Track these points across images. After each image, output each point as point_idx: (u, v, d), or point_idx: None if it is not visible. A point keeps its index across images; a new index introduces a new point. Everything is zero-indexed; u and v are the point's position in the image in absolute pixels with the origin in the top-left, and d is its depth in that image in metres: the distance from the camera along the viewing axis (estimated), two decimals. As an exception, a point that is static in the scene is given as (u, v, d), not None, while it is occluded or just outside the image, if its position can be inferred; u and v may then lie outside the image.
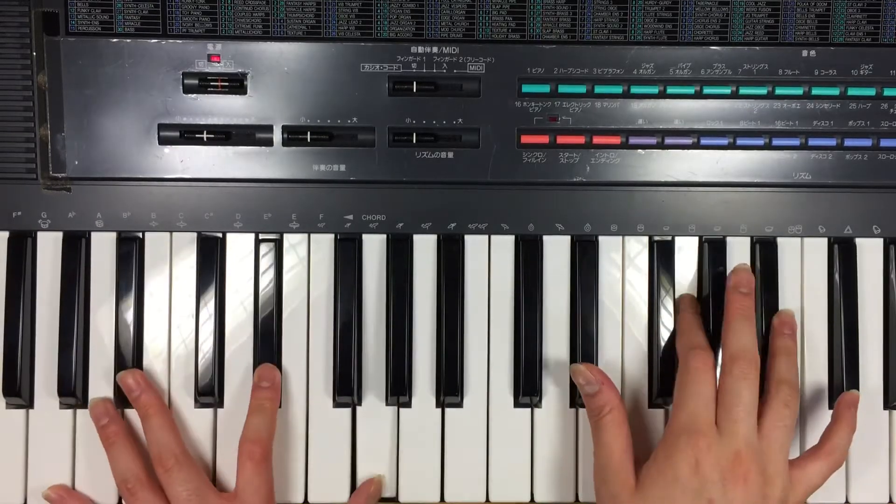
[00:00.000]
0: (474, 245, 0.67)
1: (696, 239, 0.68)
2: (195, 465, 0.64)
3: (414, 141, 0.65)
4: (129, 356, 0.65)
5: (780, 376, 0.63)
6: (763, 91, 0.66)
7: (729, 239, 0.67)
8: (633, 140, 0.66)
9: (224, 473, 0.66)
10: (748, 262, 0.67)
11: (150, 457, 0.63)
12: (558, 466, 0.67)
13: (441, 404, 0.67)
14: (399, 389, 0.65)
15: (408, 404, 0.66)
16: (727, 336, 0.63)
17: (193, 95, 0.65)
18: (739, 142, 0.66)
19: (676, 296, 0.67)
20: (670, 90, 0.65)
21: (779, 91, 0.66)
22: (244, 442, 0.63)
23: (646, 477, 0.60)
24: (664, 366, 0.66)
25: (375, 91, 0.65)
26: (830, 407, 0.67)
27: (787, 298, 0.67)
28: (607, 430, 0.62)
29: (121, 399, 0.65)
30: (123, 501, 0.64)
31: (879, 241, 0.68)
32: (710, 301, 0.67)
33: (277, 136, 0.65)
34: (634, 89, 0.65)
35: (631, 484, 0.60)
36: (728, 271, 0.67)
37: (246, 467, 0.62)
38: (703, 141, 0.66)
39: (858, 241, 0.68)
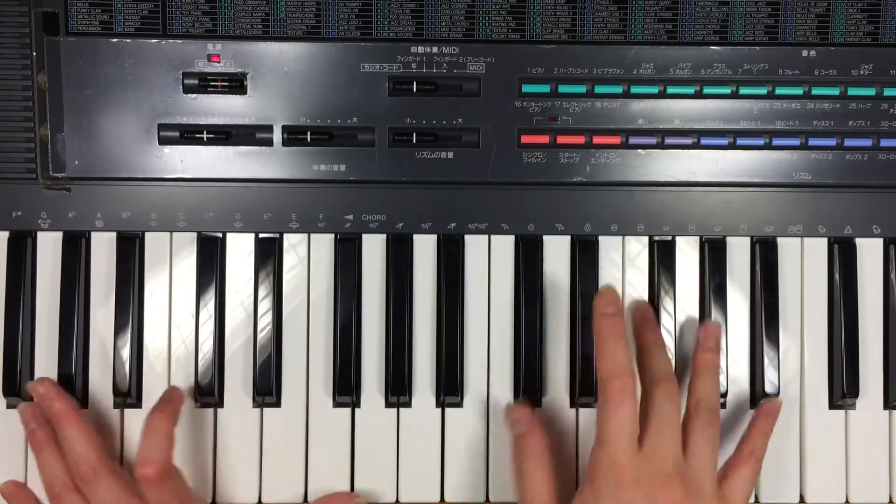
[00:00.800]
0: (474, 245, 0.67)
1: (696, 239, 0.68)
2: (115, 473, 0.62)
3: (414, 141, 0.65)
4: (129, 356, 0.65)
5: (699, 395, 0.63)
6: (763, 91, 0.66)
7: (729, 239, 0.67)
8: (633, 140, 0.66)
9: (224, 473, 0.66)
10: (748, 263, 0.67)
11: (70, 466, 0.62)
12: (558, 466, 0.66)
13: (441, 404, 0.67)
14: (399, 389, 0.65)
15: (408, 404, 0.66)
16: (646, 362, 0.63)
17: (193, 95, 0.65)
18: (739, 142, 0.66)
19: (677, 296, 0.67)
20: (670, 90, 0.65)
21: (779, 91, 0.66)
22: (137, 466, 0.61)
23: None
24: (664, 366, 0.66)
25: (375, 91, 0.65)
26: (830, 407, 0.67)
27: (787, 298, 0.67)
28: (531, 475, 0.61)
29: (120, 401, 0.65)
30: None
31: (879, 241, 0.68)
32: (709, 302, 0.67)
33: (277, 136, 0.65)
34: (634, 89, 0.65)
35: None
36: (728, 271, 0.67)
37: (147, 491, 0.61)
38: (703, 141, 0.66)
39: (858, 241, 0.68)
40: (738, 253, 0.67)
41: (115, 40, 0.64)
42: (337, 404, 0.66)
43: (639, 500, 0.58)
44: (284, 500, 0.66)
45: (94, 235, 0.66)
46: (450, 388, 0.65)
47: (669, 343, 0.67)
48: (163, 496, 0.61)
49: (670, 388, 0.61)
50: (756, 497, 0.67)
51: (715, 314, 0.67)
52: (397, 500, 0.66)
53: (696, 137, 0.66)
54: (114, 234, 0.66)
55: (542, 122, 0.66)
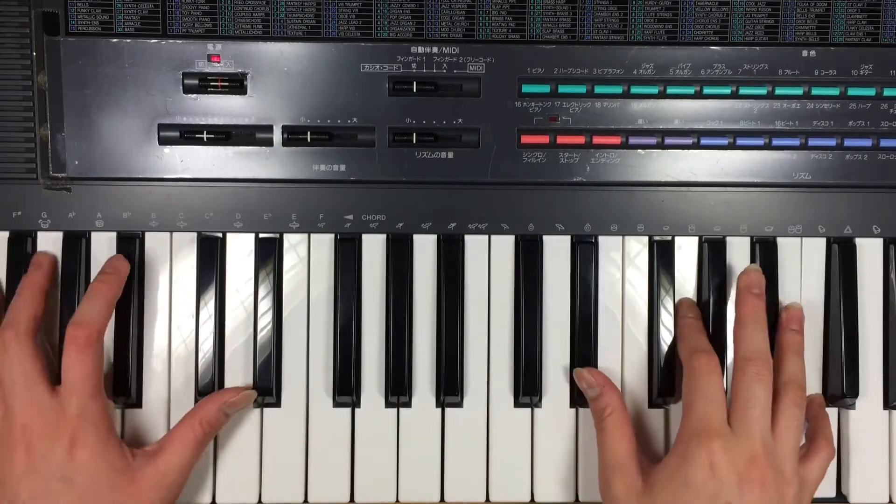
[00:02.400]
0: (474, 245, 0.67)
1: (696, 239, 0.68)
2: (36, 351, 0.60)
3: (414, 141, 0.65)
4: (130, 356, 0.65)
5: (788, 376, 0.62)
6: (763, 91, 0.66)
7: (729, 239, 0.67)
8: (633, 140, 0.66)
9: (224, 473, 0.66)
10: (748, 262, 0.67)
11: None
12: (558, 466, 0.67)
13: (441, 404, 0.67)
14: (399, 389, 0.65)
15: (408, 404, 0.66)
16: (740, 337, 0.62)
17: (193, 95, 0.65)
18: (739, 142, 0.66)
19: (676, 296, 0.67)
20: (670, 90, 0.65)
21: (779, 91, 0.66)
22: (69, 325, 0.59)
23: (655, 481, 0.60)
24: (664, 366, 0.66)
25: (375, 91, 0.65)
26: (829, 407, 0.67)
27: (787, 298, 0.67)
28: (609, 432, 0.62)
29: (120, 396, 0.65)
30: None
31: (879, 241, 0.68)
32: (709, 302, 0.67)
33: (277, 136, 0.65)
34: (634, 89, 0.65)
35: (637, 487, 0.60)
36: (728, 271, 0.67)
37: (70, 351, 0.59)
38: (703, 141, 0.66)
39: (858, 241, 0.68)
40: (738, 253, 0.68)
41: (115, 40, 0.64)
42: (337, 404, 0.66)
43: (725, 470, 0.57)
44: (284, 500, 0.66)
45: (94, 235, 0.66)
46: (450, 388, 0.65)
47: (670, 342, 0.67)
48: (85, 363, 0.59)
49: (762, 368, 0.60)
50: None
51: (714, 314, 0.67)
52: (397, 500, 0.66)
53: (696, 137, 0.66)
54: (114, 234, 0.66)
55: (542, 122, 0.66)
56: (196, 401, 0.66)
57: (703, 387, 0.60)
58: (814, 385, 0.67)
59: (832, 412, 0.67)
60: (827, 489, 0.67)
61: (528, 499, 0.67)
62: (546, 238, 0.67)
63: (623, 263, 0.68)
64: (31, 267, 0.64)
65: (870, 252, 0.68)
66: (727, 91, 0.66)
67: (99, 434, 0.59)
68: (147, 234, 0.66)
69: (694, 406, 0.60)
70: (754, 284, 0.64)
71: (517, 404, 0.67)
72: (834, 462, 0.66)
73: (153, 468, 0.60)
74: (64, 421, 0.58)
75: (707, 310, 0.67)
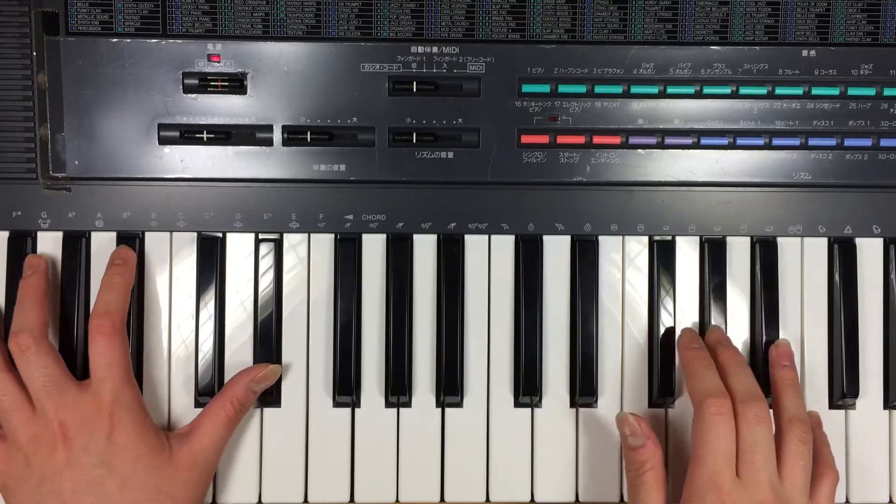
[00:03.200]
0: (474, 245, 0.67)
1: (697, 239, 0.68)
2: (54, 353, 0.61)
3: (414, 141, 0.65)
4: (129, 356, 0.65)
5: (790, 413, 0.62)
6: (763, 91, 0.66)
7: (729, 239, 0.67)
8: (633, 140, 0.66)
9: (224, 473, 0.66)
10: (748, 262, 0.67)
11: (9, 334, 0.61)
12: (558, 466, 0.67)
13: (441, 404, 0.67)
14: (399, 389, 0.65)
15: (408, 404, 0.66)
16: (731, 383, 0.62)
17: (193, 95, 0.65)
18: (739, 142, 0.66)
19: (677, 296, 0.67)
20: (670, 90, 0.65)
21: (779, 91, 0.66)
22: (92, 318, 0.61)
23: None
24: (664, 366, 0.66)
25: (375, 91, 0.65)
26: (830, 407, 0.67)
27: (787, 298, 0.67)
28: (646, 489, 0.61)
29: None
30: None
31: (879, 241, 0.68)
32: (709, 302, 0.67)
33: (277, 136, 0.65)
34: (634, 89, 0.65)
35: None
36: (728, 271, 0.67)
37: (97, 342, 0.60)
38: (703, 141, 0.66)
39: (858, 241, 0.68)
40: (738, 253, 0.68)
41: (115, 40, 0.64)
42: (337, 404, 0.66)
43: None
44: (284, 500, 0.66)
45: (94, 235, 0.66)
46: (450, 388, 0.65)
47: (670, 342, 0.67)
48: (113, 350, 0.60)
49: (760, 409, 0.60)
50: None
51: (715, 314, 0.67)
52: (397, 500, 0.66)
53: (696, 137, 0.66)
54: (114, 234, 0.66)
55: (542, 122, 0.66)
56: (196, 401, 0.66)
57: (714, 439, 0.59)
58: (820, 385, 0.67)
59: (832, 413, 0.67)
60: (836, 495, 0.67)
61: (528, 499, 0.67)
62: (546, 238, 0.67)
63: (623, 263, 0.67)
64: (29, 270, 0.64)
65: (870, 252, 0.68)
66: (727, 91, 0.66)
67: (135, 418, 0.60)
68: (147, 234, 0.66)
69: (704, 459, 0.59)
70: (722, 340, 0.65)
71: (517, 404, 0.67)
72: (840, 465, 0.66)
73: (188, 448, 0.62)
74: (99, 409, 0.60)
75: (707, 310, 0.67)
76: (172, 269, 0.66)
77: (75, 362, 0.65)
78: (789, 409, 0.62)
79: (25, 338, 0.60)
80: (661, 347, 0.67)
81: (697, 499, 0.59)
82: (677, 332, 0.67)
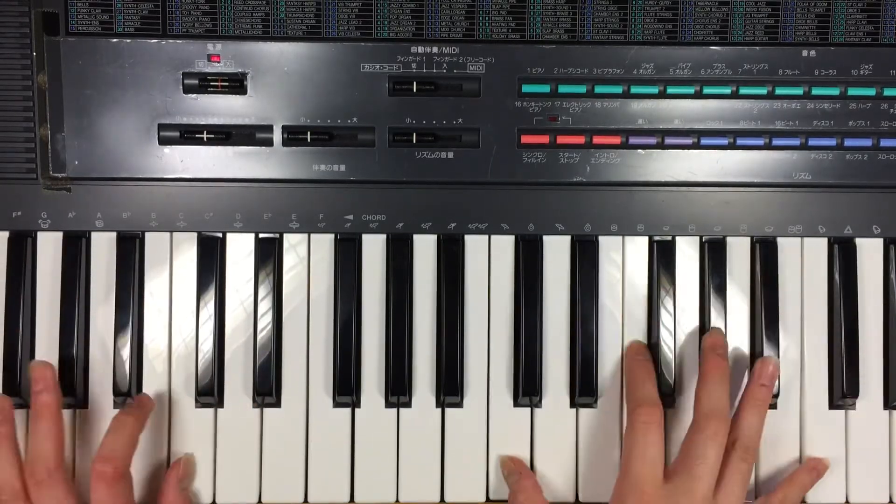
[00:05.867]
0: (474, 245, 0.67)
1: (697, 239, 0.68)
2: (68, 483, 0.61)
3: (414, 141, 0.65)
4: (129, 356, 0.65)
5: (741, 432, 0.63)
6: (763, 91, 0.66)
7: (729, 239, 0.67)
8: (633, 140, 0.66)
9: (224, 473, 0.66)
10: (748, 262, 0.67)
11: (25, 462, 0.61)
12: (558, 466, 0.67)
13: (441, 404, 0.67)
14: (399, 389, 0.65)
15: (408, 404, 0.66)
16: (702, 393, 0.63)
17: (193, 95, 0.65)
18: (739, 142, 0.66)
19: (677, 296, 0.67)
20: (670, 90, 0.65)
21: (779, 91, 0.66)
22: (96, 461, 0.60)
23: None
24: (664, 366, 0.66)
25: (375, 91, 0.65)
26: (830, 407, 0.67)
27: (787, 298, 0.67)
28: None
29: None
30: None
31: (879, 241, 0.68)
32: (709, 302, 0.67)
33: (277, 136, 0.65)
34: (634, 89, 0.65)
35: None
36: (728, 271, 0.67)
37: (98, 489, 0.60)
38: (703, 141, 0.66)
39: (858, 241, 0.68)
40: (738, 253, 0.67)
41: (115, 40, 0.64)
42: (337, 404, 0.66)
43: None
44: (284, 500, 0.66)
45: (94, 235, 0.66)
46: (450, 388, 0.65)
47: (670, 342, 0.67)
48: (115, 498, 0.60)
49: (719, 427, 0.61)
50: (755, 496, 0.67)
51: (715, 314, 0.67)
52: (397, 500, 0.66)
53: (696, 137, 0.66)
54: (114, 234, 0.66)
55: (542, 122, 0.66)
56: (196, 401, 0.66)
57: (641, 445, 0.61)
58: (820, 386, 0.67)
59: (832, 413, 0.67)
60: (835, 494, 0.67)
61: (528, 499, 0.67)
62: (546, 238, 0.67)
63: (623, 263, 0.67)
64: (40, 384, 0.62)
65: (870, 252, 0.68)
66: (727, 91, 0.66)
67: None
68: (147, 234, 0.66)
69: (630, 464, 0.61)
70: (719, 345, 0.65)
71: (517, 404, 0.67)
72: (840, 465, 0.67)
73: None
74: None
75: (706, 310, 0.67)
76: (172, 269, 0.66)
77: (73, 373, 0.65)
78: (743, 428, 0.63)
79: (40, 470, 0.60)
80: (661, 348, 0.67)
81: (619, 500, 0.60)
82: (678, 333, 0.67)
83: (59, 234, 0.66)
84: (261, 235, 0.66)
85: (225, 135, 0.65)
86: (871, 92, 0.66)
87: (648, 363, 0.65)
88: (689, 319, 0.67)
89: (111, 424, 0.62)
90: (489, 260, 0.67)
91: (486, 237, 0.67)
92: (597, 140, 0.66)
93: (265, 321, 0.66)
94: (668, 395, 0.67)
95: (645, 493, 0.59)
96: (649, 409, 0.62)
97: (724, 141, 0.66)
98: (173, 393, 0.66)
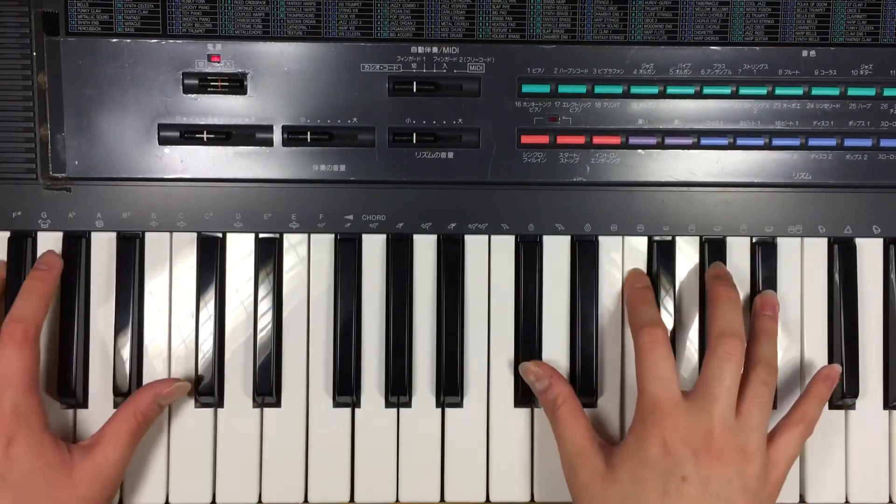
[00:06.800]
0: (474, 245, 0.67)
1: (697, 239, 0.68)
2: (35, 353, 0.60)
3: (414, 141, 0.65)
4: (129, 356, 0.65)
5: (758, 356, 0.62)
6: (763, 91, 0.66)
7: (729, 239, 0.68)
8: (633, 140, 0.66)
9: (224, 473, 0.66)
10: (748, 262, 0.67)
11: (6, 319, 0.60)
12: (558, 466, 0.66)
13: (441, 404, 0.67)
14: (399, 389, 0.65)
15: (408, 404, 0.66)
16: (713, 316, 0.63)
17: (193, 95, 0.65)
18: (739, 142, 0.66)
19: (677, 296, 0.67)
20: (670, 90, 0.65)
21: (779, 91, 0.66)
22: (6, 323, 0.59)
23: (616, 461, 0.60)
24: (664, 366, 0.66)
25: (375, 91, 0.65)
26: (830, 407, 0.67)
27: (787, 298, 0.67)
28: (564, 421, 0.63)
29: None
30: None
31: (879, 241, 0.68)
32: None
33: (277, 136, 0.65)
34: (634, 89, 0.65)
35: (601, 469, 0.61)
36: (727, 271, 0.67)
37: (6, 347, 0.59)
38: (703, 141, 0.66)
39: (858, 241, 0.68)
40: (738, 253, 0.68)
41: (115, 40, 0.64)
42: (337, 404, 0.66)
43: (679, 446, 0.58)
44: (284, 500, 0.66)
45: (94, 235, 0.66)
46: (450, 388, 0.65)
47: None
48: (23, 359, 0.59)
49: (733, 346, 0.61)
50: (756, 497, 0.67)
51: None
52: (397, 500, 0.66)
53: (696, 137, 0.66)
54: (114, 234, 0.66)
55: (542, 122, 0.66)
56: (196, 401, 0.66)
57: (652, 366, 0.61)
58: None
59: (832, 413, 0.67)
60: (835, 494, 0.67)
61: (527, 499, 0.67)
62: (546, 238, 0.67)
63: (623, 264, 0.68)
64: (45, 266, 0.63)
65: (870, 252, 0.68)
66: (727, 91, 0.66)
67: (33, 430, 0.59)
68: (147, 234, 0.66)
69: (645, 385, 0.61)
70: (722, 274, 0.65)
71: (517, 404, 0.67)
72: (840, 465, 0.67)
73: (90, 462, 0.60)
74: None
75: (707, 310, 0.67)
76: (172, 269, 0.66)
77: (72, 367, 0.65)
78: (757, 353, 0.63)
79: (16, 327, 0.60)
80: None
81: (640, 421, 0.60)
82: (678, 333, 0.67)
83: (59, 234, 0.66)
84: (261, 235, 0.67)
85: (225, 135, 0.65)
86: (871, 92, 0.66)
87: (648, 290, 0.66)
88: (689, 319, 0.67)
89: (21, 289, 0.62)
90: (489, 260, 0.67)
91: (486, 237, 0.67)
92: (597, 140, 0.66)
93: (265, 321, 0.66)
94: (668, 395, 0.67)
95: (664, 411, 0.59)
96: (652, 328, 0.62)
97: (724, 141, 0.66)
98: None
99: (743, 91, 0.66)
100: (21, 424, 0.58)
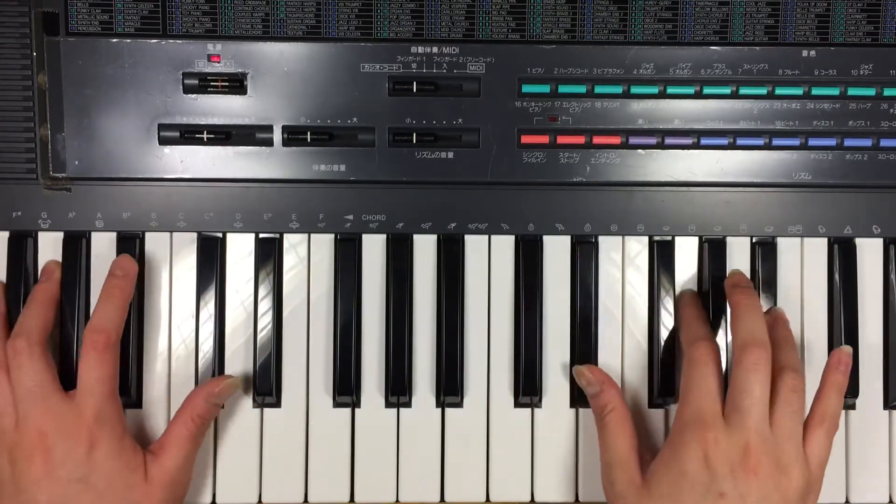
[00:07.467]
0: (474, 245, 0.67)
1: (696, 239, 0.68)
2: (49, 363, 0.61)
3: (414, 141, 0.65)
4: (130, 356, 0.65)
5: (782, 363, 0.62)
6: (763, 91, 0.66)
7: (729, 239, 0.68)
8: (633, 140, 0.66)
9: (224, 473, 0.66)
10: (748, 262, 0.67)
11: (10, 336, 0.61)
12: (558, 466, 0.67)
13: (441, 404, 0.67)
14: (399, 389, 0.65)
15: (408, 404, 0.66)
16: (736, 327, 0.62)
17: (193, 95, 0.65)
18: (739, 142, 0.66)
19: (676, 295, 0.67)
20: (670, 90, 0.65)
21: (779, 91, 0.66)
22: (88, 331, 0.61)
23: (653, 474, 0.60)
24: (664, 366, 0.66)
25: (375, 91, 0.65)
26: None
27: (788, 298, 0.67)
28: (611, 429, 0.62)
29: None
30: None
31: (879, 241, 0.68)
32: (709, 301, 0.67)
33: (277, 136, 0.65)
34: (634, 89, 0.65)
35: (637, 481, 0.61)
36: (727, 271, 0.67)
37: (89, 356, 0.60)
38: (703, 141, 0.66)
39: (858, 241, 0.68)
40: (738, 253, 0.67)
41: (115, 40, 0.64)
42: (337, 404, 0.66)
43: (718, 461, 0.58)
44: (284, 500, 0.66)
45: (94, 235, 0.66)
46: (450, 388, 0.65)
47: (670, 343, 0.67)
48: (104, 367, 0.60)
49: (759, 356, 0.60)
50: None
51: (714, 314, 0.67)
52: (397, 500, 0.66)
53: (696, 137, 0.66)
54: (114, 234, 0.66)
55: (542, 122, 0.66)
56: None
57: (699, 377, 0.61)
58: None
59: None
60: (835, 494, 0.67)
61: (528, 499, 0.67)
62: (546, 238, 0.67)
63: (623, 263, 0.68)
64: (43, 276, 0.65)
65: (870, 252, 0.68)
66: (727, 91, 0.66)
67: (114, 435, 0.60)
68: (147, 235, 0.66)
69: (689, 396, 0.61)
70: (741, 281, 0.65)
71: (517, 404, 0.67)
72: (840, 465, 0.67)
73: (160, 466, 0.61)
74: (81, 423, 0.59)
75: (707, 310, 0.67)
76: (172, 269, 0.66)
77: (73, 364, 0.64)
78: (781, 360, 0.62)
79: (21, 342, 0.61)
80: (661, 347, 0.67)
81: (680, 433, 0.60)
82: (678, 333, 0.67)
83: (60, 234, 0.66)
84: (261, 235, 0.67)
85: (225, 135, 0.65)
86: (871, 92, 0.66)
87: (701, 310, 0.66)
88: (689, 319, 0.67)
89: (101, 296, 0.62)
90: (489, 260, 0.67)
91: (486, 237, 0.67)
92: (597, 140, 0.66)
93: (265, 321, 0.66)
94: (670, 396, 0.67)
95: (706, 423, 0.59)
96: (706, 343, 0.62)
97: (724, 141, 0.66)
98: (173, 393, 0.66)
99: (743, 91, 0.66)
100: (103, 430, 0.60)
